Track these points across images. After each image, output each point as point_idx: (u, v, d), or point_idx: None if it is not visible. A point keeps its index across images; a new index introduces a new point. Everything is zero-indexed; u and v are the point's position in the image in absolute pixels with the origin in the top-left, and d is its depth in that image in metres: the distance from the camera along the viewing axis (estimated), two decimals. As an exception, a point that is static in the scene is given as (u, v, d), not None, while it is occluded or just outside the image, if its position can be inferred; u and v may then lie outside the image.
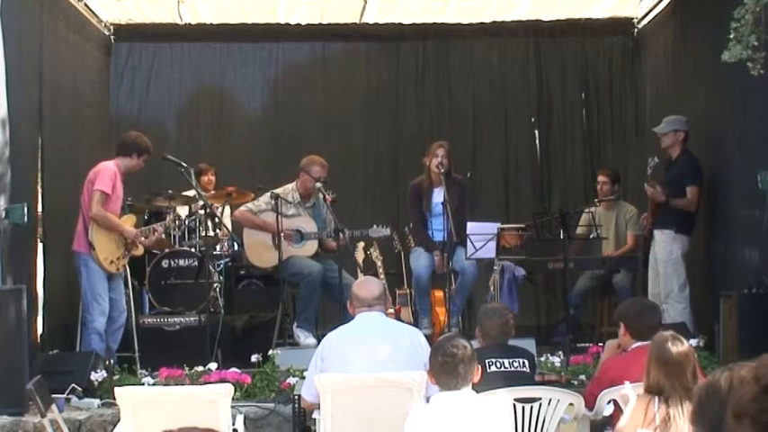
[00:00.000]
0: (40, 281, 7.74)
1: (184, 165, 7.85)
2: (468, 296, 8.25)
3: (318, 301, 8.21)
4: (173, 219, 8.43)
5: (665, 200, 7.88)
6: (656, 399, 4.16)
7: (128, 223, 7.74)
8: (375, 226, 8.19)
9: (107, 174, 7.44)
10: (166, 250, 8.55)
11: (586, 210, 8.88)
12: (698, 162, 7.91)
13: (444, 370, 4.14)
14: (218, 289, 8.46)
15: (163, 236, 8.25)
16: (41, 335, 7.71)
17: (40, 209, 7.82)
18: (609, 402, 5.01)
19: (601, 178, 9.15)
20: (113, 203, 7.53)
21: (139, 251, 7.91)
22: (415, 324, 7.52)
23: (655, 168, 8.10)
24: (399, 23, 10.38)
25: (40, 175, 7.87)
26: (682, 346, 4.22)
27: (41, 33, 7.90)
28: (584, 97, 10.72)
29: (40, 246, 7.86)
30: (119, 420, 5.18)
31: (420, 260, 8.15)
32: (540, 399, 5.11)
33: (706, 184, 7.92)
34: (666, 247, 7.91)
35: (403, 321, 7.48)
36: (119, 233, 7.57)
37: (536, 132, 10.63)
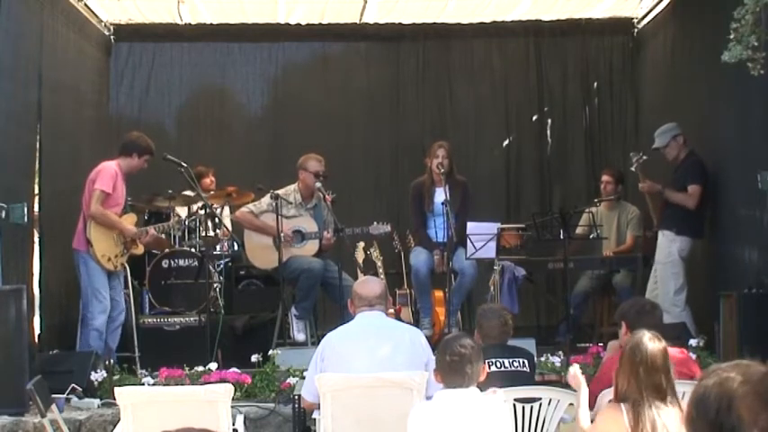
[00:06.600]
0: (36, 281, 7.73)
1: (184, 165, 7.85)
2: (468, 296, 8.25)
3: (317, 297, 8.21)
4: (176, 221, 8.45)
5: (660, 190, 8.02)
6: (623, 405, 4.07)
7: (128, 222, 7.75)
8: (375, 223, 8.19)
9: (108, 173, 7.47)
10: (166, 250, 8.55)
11: (587, 209, 8.87)
12: (703, 163, 7.96)
13: (452, 369, 4.14)
14: (218, 289, 8.45)
15: (162, 235, 8.27)
16: (39, 335, 7.71)
17: (37, 208, 7.81)
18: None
19: (605, 178, 9.16)
20: (114, 202, 7.54)
21: (140, 250, 7.92)
22: (416, 324, 7.52)
23: (642, 165, 8.17)
24: (399, 23, 10.38)
25: (37, 174, 7.87)
26: (659, 344, 4.10)
27: (41, 33, 7.89)
28: (585, 97, 10.72)
29: (36, 246, 7.85)
30: (119, 420, 5.17)
31: (419, 257, 8.17)
32: (540, 399, 5.11)
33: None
34: (665, 248, 7.95)
35: (403, 321, 7.48)
36: (118, 231, 7.58)
37: (536, 132, 10.63)
